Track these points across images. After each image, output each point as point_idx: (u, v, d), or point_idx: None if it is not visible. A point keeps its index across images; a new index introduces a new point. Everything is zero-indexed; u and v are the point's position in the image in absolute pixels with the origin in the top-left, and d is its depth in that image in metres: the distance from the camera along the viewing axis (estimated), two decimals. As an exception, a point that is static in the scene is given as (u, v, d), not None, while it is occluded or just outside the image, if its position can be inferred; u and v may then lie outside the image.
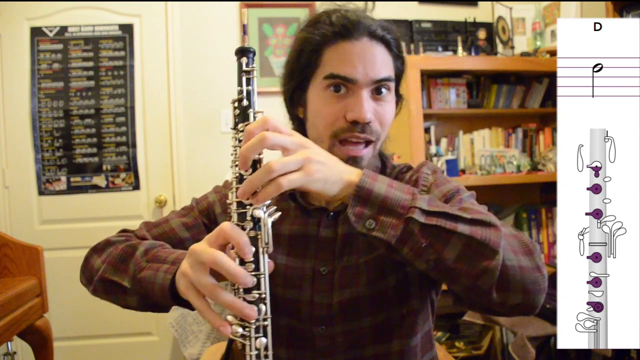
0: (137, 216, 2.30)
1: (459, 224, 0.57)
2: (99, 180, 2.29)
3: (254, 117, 0.57)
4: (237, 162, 0.55)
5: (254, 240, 0.54)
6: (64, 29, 2.27)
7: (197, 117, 2.33)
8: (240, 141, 0.56)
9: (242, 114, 0.57)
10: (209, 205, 0.87)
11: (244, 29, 0.61)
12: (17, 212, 2.23)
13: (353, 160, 0.74)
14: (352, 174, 0.58)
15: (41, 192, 2.25)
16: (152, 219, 2.27)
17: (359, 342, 0.78)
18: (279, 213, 0.55)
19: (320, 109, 0.77)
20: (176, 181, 2.31)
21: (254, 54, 0.60)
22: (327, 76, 0.75)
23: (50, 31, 2.26)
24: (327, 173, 0.55)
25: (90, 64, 2.28)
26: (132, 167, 2.30)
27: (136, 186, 2.31)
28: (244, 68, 0.58)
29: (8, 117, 2.23)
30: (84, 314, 2.24)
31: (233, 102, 0.58)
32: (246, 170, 0.54)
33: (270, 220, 0.54)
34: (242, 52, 0.59)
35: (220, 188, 0.91)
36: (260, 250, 0.54)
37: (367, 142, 0.76)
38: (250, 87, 0.57)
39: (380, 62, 0.75)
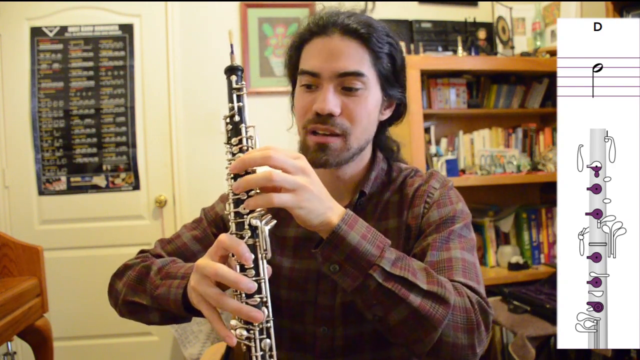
0: (137, 216, 2.29)
1: (412, 294, 0.60)
2: (99, 180, 2.29)
3: (246, 131, 0.59)
4: (233, 174, 0.57)
5: (252, 248, 0.56)
6: (64, 29, 2.26)
7: (197, 117, 2.33)
8: (234, 154, 0.59)
9: (235, 129, 0.59)
10: (216, 215, 0.89)
11: (232, 49, 0.63)
12: (17, 212, 2.23)
13: (319, 147, 0.76)
14: (334, 215, 0.60)
15: (41, 192, 2.25)
16: (152, 219, 2.28)
17: (358, 346, 0.78)
18: (275, 221, 0.58)
19: (297, 104, 0.80)
20: (176, 181, 2.31)
21: (242, 71, 0.62)
22: (299, 72, 0.78)
23: (50, 31, 2.26)
24: (314, 206, 0.58)
25: (90, 64, 2.28)
26: (132, 167, 2.30)
27: (136, 186, 2.31)
28: (234, 85, 0.60)
29: (8, 117, 2.23)
30: (84, 314, 2.23)
31: (225, 118, 0.60)
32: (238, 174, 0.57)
33: (267, 228, 0.57)
34: (230, 70, 0.61)
35: (226, 196, 0.91)
36: (259, 256, 0.57)
37: (333, 134, 0.75)
38: (241, 104, 0.60)
39: (347, 55, 0.74)
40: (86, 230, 2.26)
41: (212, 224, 0.88)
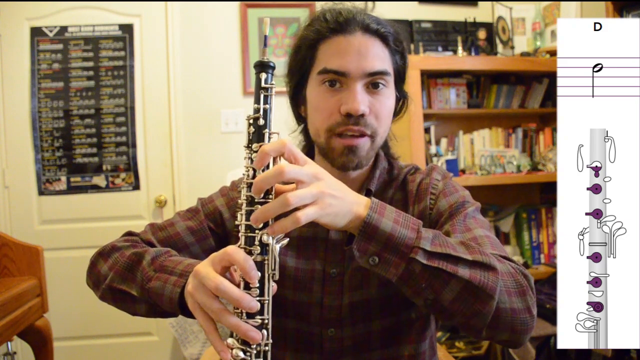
0: (137, 216, 2.30)
1: (460, 267, 0.58)
2: (99, 180, 2.29)
3: (269, 138, 0.56)
4: (249, 182, 0.54)
5: (260, 266, 0.53)
6: (64, 29, 2.27)
7: (197, 117, 2.33)
8: (253, 161, 0.55)
9: (257, 134, 0.55)
10: (215, 209, 0.86)
11: (265, 41, 0.58)
12: (17, 212, 2.23)
13: (350, 150, 0.74)
14: (360, 206, 0.58)
15: (41, 192, 2.25)
16: (152, 219, 2.28)
17: (367, 345, 0.78)
18: (287, 239, 0.55)
19: (317, 104, 0.77)
20: (176, 181, 2.31)
21: (274, 69, 0.57)
22: (321, 71, 0.75)
23: (50, 31, 2.26)
24: (338, 207, 0.56)
25: (90, 64, 2.28)
26: (132, 167, 2.30)
27: (136, 186, 2.31)
28: (263, 84, 0.56)
29: (8, 117, 2.23)
30: (84, 314, 2.24)
31: (248, 119, 0.56)
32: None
33: (278, 247, 0.54)
34: (261, 66, 0.56)
35: (227, 190, 0.89)
36: (266, 275, 0.54)
37: (363, 135, 0.75)
38: (267, 106, 0.56)
39: (374, 55, 0.74)
40: (86, 230, 2.26)
41: (209, 217, 0.85)
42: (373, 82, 0.75)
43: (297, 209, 0.53)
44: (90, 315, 2.22)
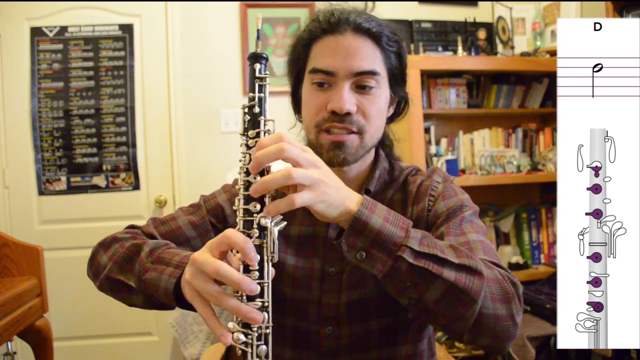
0: (137, 216, 2.30)
1: (445, 269, 0.58)
2: (99, 180, 2.29)
3: (265, 125, 0.57)
4: (246, 167, 0.55)
5: (259, 249, 0.54)
6: (64, 29, 2.27)
7: (197, 117, 2.33)
8: (249, 147, 0.56)
9: (253, 121, 0.57)
10: (217, 205, 0.86)
11: (258, 34, 0.60)
12: (17, 212, 2.23)
13: (336, 146, 0.75)
14: (352, 202, 0.59)
15: (41, 192, 2.25)
16: (152, 219, 2.28)
17: (364, 344, 0.78)
18: (285, 223, 0.56)
19: (307, 102, 0.79)
20: (176, 181, 2.31)
21: (267, 60, 0.60)
22: (311, 70, 0.77)
23: (50, 31, 2.26)
24: (332, 197, 0.56)
25: (90, 64, 2.28)
26: (132, 167, 2.30)
27: (136, 186, 2.31)
28: (257, 74, 0.58)
29: (8, 117, 2.23)
30: (84, 314, 2.23)
31: (244, 108, 0.58)
32: (255, 176, 0.55)
33: (276, 230, 0.54)
34: (254, 57, 0.59)
35: (229, 187, 0.90)
36: (265, 258, 0.54)
37: (350, 132, 0.76)
38: (262, 94, 0.58)
39: (362, 54, 0.75)
40: (86, 230, 2.25)
41: (211, 213, 0.85)
42: (361, 82, 0.75)
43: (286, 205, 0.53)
44: (90, 315, 2.22)
